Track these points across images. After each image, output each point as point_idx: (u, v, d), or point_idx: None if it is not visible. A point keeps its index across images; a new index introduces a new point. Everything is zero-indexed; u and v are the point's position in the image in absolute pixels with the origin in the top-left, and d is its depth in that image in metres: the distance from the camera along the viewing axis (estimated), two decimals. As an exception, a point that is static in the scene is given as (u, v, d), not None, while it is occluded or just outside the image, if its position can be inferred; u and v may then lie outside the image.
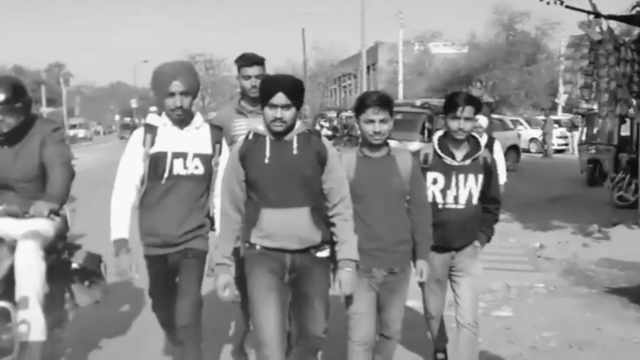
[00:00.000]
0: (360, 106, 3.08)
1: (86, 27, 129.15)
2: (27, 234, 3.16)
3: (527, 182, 14.16)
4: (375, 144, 3.08)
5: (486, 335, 4.43)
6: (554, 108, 32.71)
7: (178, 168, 3.12)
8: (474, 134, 3.44)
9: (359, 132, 3.19)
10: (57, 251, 3.47)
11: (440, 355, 3.78)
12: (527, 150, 24.17)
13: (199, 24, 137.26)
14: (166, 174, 3.12)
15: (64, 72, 65.41)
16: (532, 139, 24.91)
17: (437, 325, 3.63)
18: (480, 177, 3.39)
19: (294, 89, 2.85)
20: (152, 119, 3.25)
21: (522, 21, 33.04)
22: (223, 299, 2.95)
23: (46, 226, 3.26)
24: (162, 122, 3.20)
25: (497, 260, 6.39)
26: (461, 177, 3.36)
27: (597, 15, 8.04)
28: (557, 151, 24.22)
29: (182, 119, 3.18)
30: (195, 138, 3.20)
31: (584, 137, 14.48)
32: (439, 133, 3.48)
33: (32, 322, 3.06)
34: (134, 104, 46.96)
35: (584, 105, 13.52)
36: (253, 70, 3.64)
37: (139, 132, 3.23)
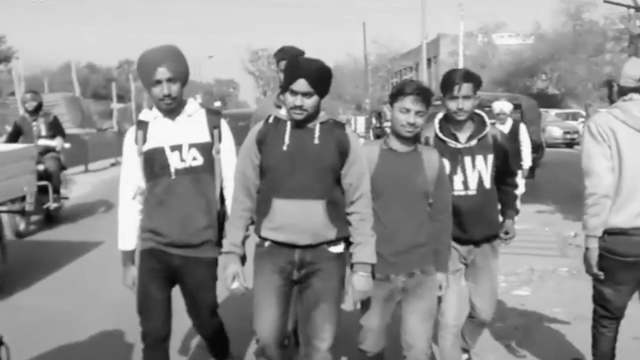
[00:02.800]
0: (398, 93, 2.84)
1: (153, 24, 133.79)
2: None
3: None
4: (406, 136, 2.86)
5: (500, 310, 4.87)
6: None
7: (175, 162, 2.90)
8: (477, 111, 3.18)
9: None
10: None
11: None
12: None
13: (261, 19, 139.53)
14: (161, 170, 2.90)
15: (133, 69, 68.31)
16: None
17: (452, 340, 3.25)
18: (490, 157, 3.14)
19: (318, 75, 2.64)
20: (143, 114, 3.04)
21: (589, 10, 32.28)
22: (230, 292, 2.80)
23: None
24: (153, 116, 2.97)
25: (526, 246, 6.75)
26: (467, 159, 3.11)
27: (638, 8, 8.17)
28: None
29: (172, 109, 2.92)
30: (190, 127, 2.95)
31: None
32: (440, 115, 3.21)
33: None
34: (198, 99, 48.67)
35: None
36: None
37: (131, 130, 3.03)
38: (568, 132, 24.28)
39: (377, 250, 2.76)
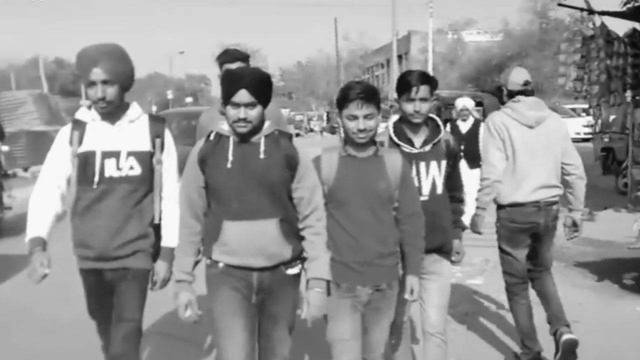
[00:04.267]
0: (342, 100, 2.71)
1: (123, 18, 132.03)
2: None
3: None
4: (360, 143, 2.73)
5: (454, 298, 5.17)
6: (586, 97, 32.62)
7: (110, 169, 2.72)
8: (431, 115, 3.15)
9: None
10: None
11: None
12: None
13: (232, 13, 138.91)
14: (96, 177, 2.71)
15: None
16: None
17: (398, 341, 3.26)
18: (444, 163, 3.10)
19: (259, 84, 2.51)
20: (81, 113, 2.83)
21: (555, 8, 32.94)
22: (184, 320, 2.64)
23: None
24: (91, 117, 2.78)
25: (484, 238, 7.05)
26: (422, 165, 3.05)
27: (590, 11, 8.56)
28: (584, 140, 24.38)
29: (109, 112, 2.75)
30: (130, 133, 2.78)
31: (598, 127, 14.87)
32: (394, 118, 3.17)
33: None
34: (170, 94, 48.34)
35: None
36: (236, 67, 3.19)
37: (66, 129, 2.82)
38: (532, 127, 24.75)
39: (342, 260, 2.70)
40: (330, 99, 43.35)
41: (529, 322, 3.85)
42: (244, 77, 2.51)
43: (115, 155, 2.74)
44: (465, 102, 8.04)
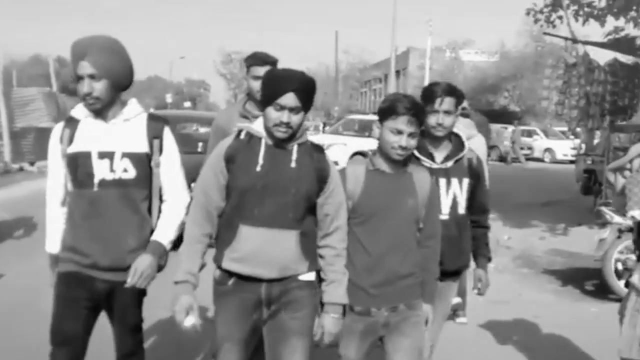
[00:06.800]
0: (389, 111, 2.54)
1: (126, 21, 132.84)
2: None
3: (527, 188, 15.29)
4: (395, 160, 2.58)
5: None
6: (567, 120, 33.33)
7: (102, 171, 2.50)
8: (456, 131, 2.99)
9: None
10: None
11: None
12: (541, 160, 25.23)
13: (232, 21, 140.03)
14: (85, 179, 2.51)
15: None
16: (547, 149, 25.89)
17: None
18: (466, 181, 2.94)
19: (308, 89, 2.38)
20: (76, 110, 2.61)
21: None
22: (182, 328, 2.37)
23: None
24: (85, 114, 2.56)
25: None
26: (442, 181, 2.89)
27: (574, 41, 9.19)
28: (571, 162, 25.09)
29: (100, 110, 2.52)
30: (125, 133, 2.55)
31: (582, 149, 15.55)
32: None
33: None
34: (169, 98, 48.82)
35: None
36: (264, 71, 2.91)
37: (58, 127, 2.63)
38: (521, 148, 25.65)
39: (357, 282, 2.55)
40: (326, 109, 43.95)
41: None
42: (294, 81, 2.36)
43: (110, 156, 2.52)
44: None
